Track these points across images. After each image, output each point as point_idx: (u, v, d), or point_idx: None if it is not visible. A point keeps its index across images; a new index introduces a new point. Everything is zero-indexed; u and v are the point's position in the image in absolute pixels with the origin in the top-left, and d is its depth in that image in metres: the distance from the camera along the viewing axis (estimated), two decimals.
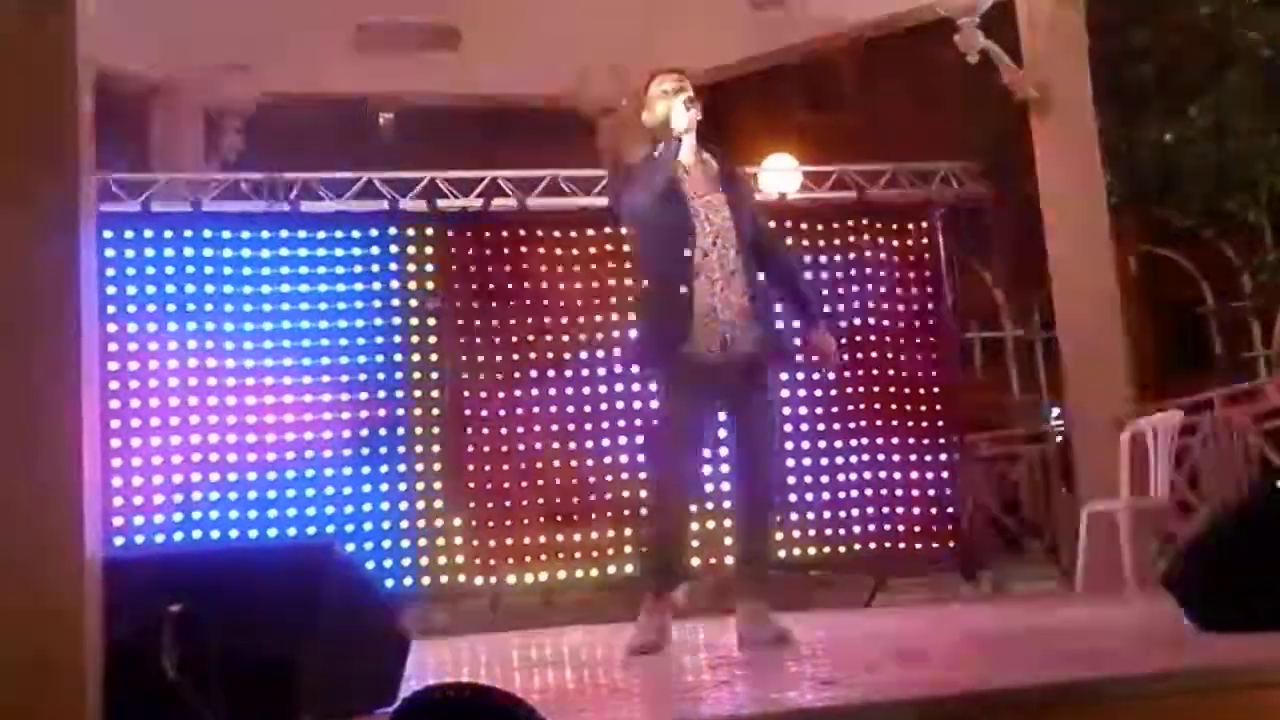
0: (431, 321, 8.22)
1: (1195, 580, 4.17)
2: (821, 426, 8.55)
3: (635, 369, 7.72)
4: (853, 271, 8.77)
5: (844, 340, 8.37)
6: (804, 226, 8.81)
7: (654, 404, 7.29)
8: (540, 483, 8.17)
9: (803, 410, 8.53)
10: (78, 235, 2.62)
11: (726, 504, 7.66)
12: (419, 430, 8.10)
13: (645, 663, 4.96)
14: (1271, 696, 2.92)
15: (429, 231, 8.36)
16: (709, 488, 7.94)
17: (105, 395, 7.40)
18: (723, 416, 5.40)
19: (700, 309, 5.15)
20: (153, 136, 10.38)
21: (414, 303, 8.23)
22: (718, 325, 5.17)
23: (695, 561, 8.23)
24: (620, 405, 8.26)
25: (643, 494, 7.39)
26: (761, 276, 5.39)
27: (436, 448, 8.10)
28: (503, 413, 8.19)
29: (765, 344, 5.29)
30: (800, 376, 8.51)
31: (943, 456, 8.69)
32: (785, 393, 8.42)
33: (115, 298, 7.75)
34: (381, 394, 8.08)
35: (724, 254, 5.24)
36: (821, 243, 8.80)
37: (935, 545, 8.66)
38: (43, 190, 2.59)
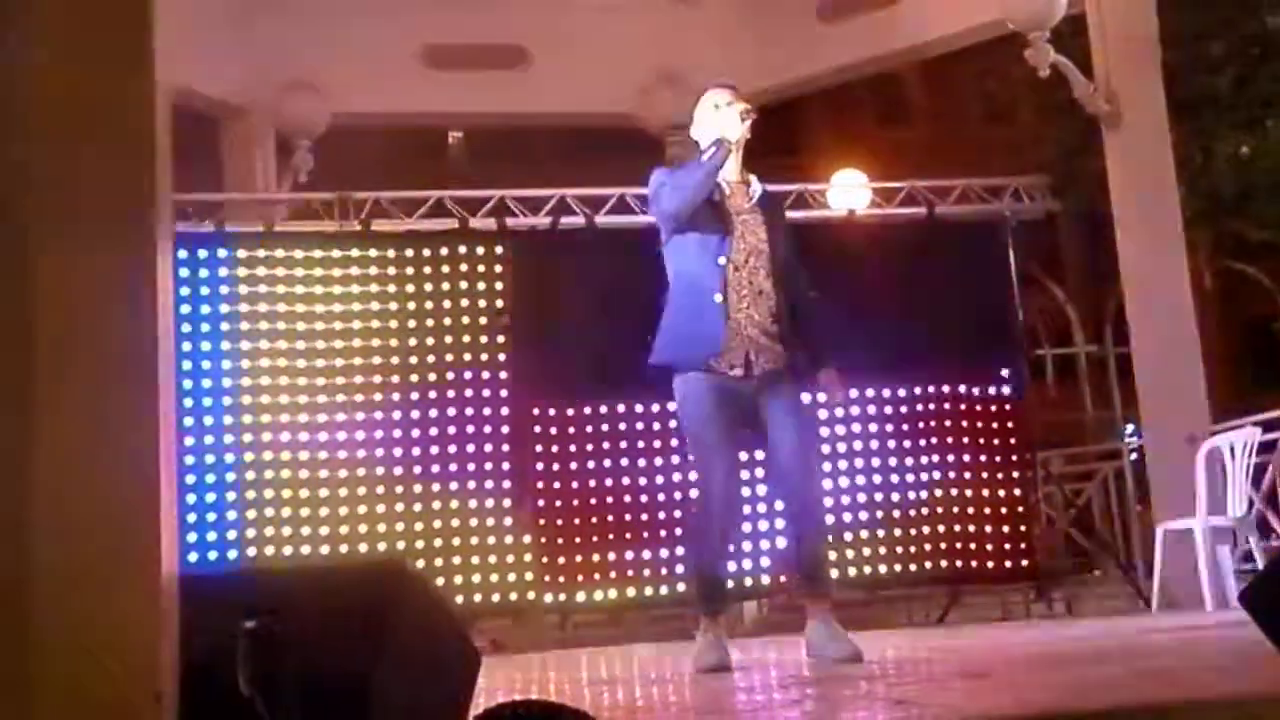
0: (501, 339, 8.25)
1: (1276, 599, 4.10)
2: (894, 444, 8.50)
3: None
4: (923, 287, 8.71)
5: (898, 362, 8.28)
6: (874, 242, 8.78)
7: (673, 424, 7.37)
8: (609, 500, 8.17)
9: (874, 428, 8.49)
10: (154, 256, 2.66)
11: None
12: (489, 448, 8.13)
13: (714, 681, 4.95)
14: None
15: (499, 250, 8.40)
16: (778, 505, 7.92)
17: (180, 414, 7.50)
18: (750, 435, 5.41)
19: (724, 317, 5.15)
20: (224, 157, 10.51)
21: (484, 320, 8.26)
22: (742, 343, 5.18)
23: (765, 580, 8.22)
24: None
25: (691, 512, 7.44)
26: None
27: (506, 465, 8.12)
28: (572, 430, 8.20)
29: (787, 363, 5.25)
30: (871, 393, 8.48)
31: (1015, 473, 8.62)
32: (855, 410, 8.41)
33: (189, 316, 7.85)
34: (451, 411, 8.12)
35: (754, 273, 5.23)
36: (892, 259, 8.75)
37: (1009, 563, 8.57)
38: (122, 218, 2.63)
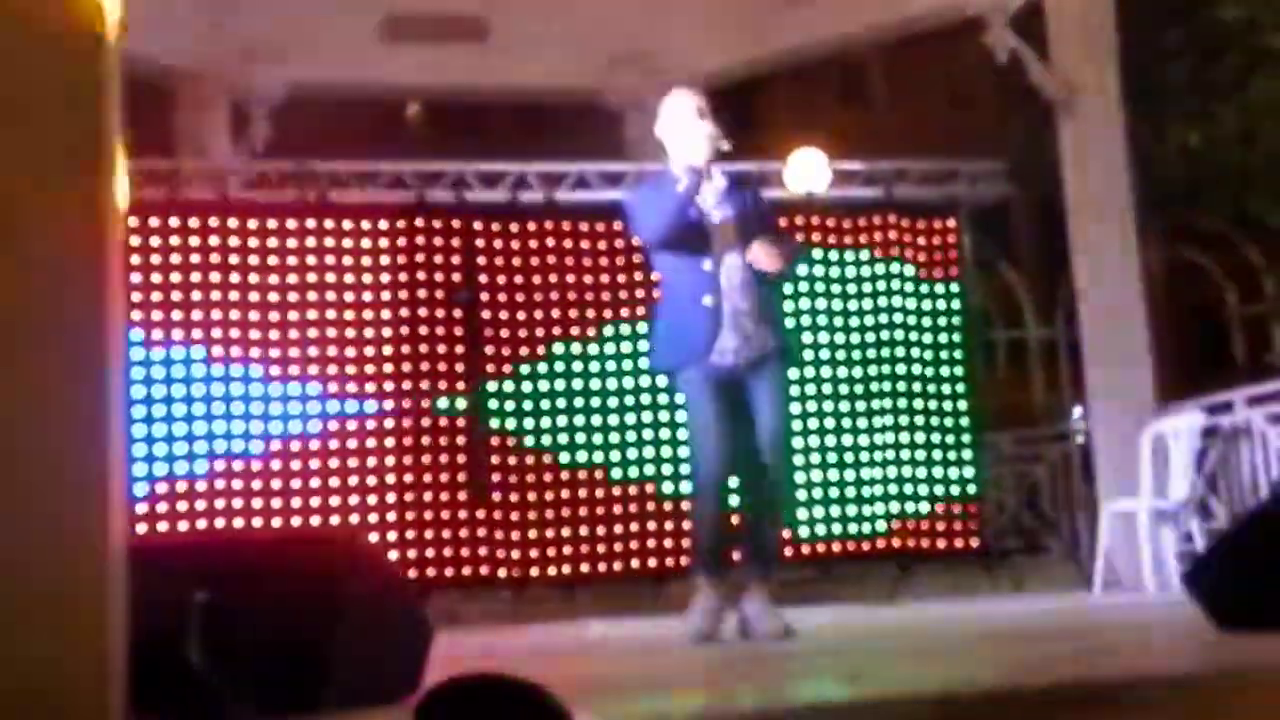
0: (458, 314, 8.24)
1: (1215, 579, 4.17)
2: (847, 422, 8.56)
3: (654, 370, 7.76)
4: (878, 268, 8.77)
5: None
6: (830, 222, 8.81)
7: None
8: (564, 476, 8.19)
9: (828, 406, 8.55)
10: (106, 224, 2.65)
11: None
12: (444, 422, 8.13)
13: (668, 654, 4.99)
14: None
15: (456, 224, 8.38)
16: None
17: (130, 384, 7.45)
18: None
19: (715, 319, 5.41)
20: (180, 124, 10.40)
21: (440, 295, 8.25)
22: (731, 334, 5.42)
23: None
24: (646, 399, 8.28)
25: (684, 488, 7.83)
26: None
27: (461, 439, 8.12)
28: (528, 405, 8.21)
29: (772, 344, 5.51)
30: (825, 373, 8.54)
31: (966, 454, 8.70)
32: (811, 389, 8.47)
33: (141, 286, 7.80)
34: (406, 385, 8.11)
35: (732, 266, 5.47)
36: (848, 239, 8.79)
37: (958, 542, 8.66)
38: (73, 181, 2.62)
